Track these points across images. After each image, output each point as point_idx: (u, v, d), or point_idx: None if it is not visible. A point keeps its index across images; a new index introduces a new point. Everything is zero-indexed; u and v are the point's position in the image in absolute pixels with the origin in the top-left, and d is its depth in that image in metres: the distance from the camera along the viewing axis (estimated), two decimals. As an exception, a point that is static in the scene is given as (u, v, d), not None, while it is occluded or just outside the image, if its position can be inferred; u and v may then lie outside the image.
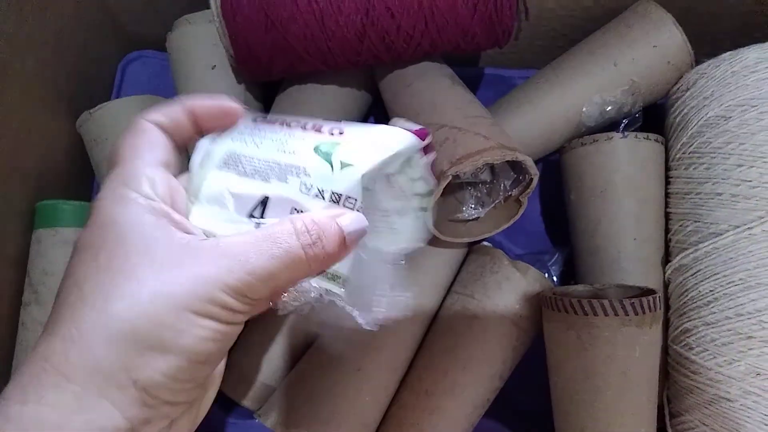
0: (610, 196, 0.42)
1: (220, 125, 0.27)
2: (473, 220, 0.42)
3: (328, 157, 0.24)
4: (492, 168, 0.42)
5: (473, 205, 0.42)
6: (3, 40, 0.38)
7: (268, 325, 0.43)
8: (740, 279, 0.35)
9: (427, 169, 0.28)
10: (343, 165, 0.24)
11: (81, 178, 0.49)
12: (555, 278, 0.48)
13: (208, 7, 0.40)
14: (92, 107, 0.45)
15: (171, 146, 0.25)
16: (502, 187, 0.41)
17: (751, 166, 0.36)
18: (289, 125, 0.27)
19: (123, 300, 0.20)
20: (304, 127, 0.26)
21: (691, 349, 0.37)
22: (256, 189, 0.24)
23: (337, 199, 0.24)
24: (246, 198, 0.24)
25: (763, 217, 0.35)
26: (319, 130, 0.26)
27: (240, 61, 0.41)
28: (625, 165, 0.42)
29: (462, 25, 0.39)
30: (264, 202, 0.24)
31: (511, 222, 0.41)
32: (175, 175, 0.26)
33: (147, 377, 0.20)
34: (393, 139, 0.26)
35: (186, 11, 0.47)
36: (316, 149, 0.25)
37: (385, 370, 0.41)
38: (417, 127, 0.27)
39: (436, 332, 0.43)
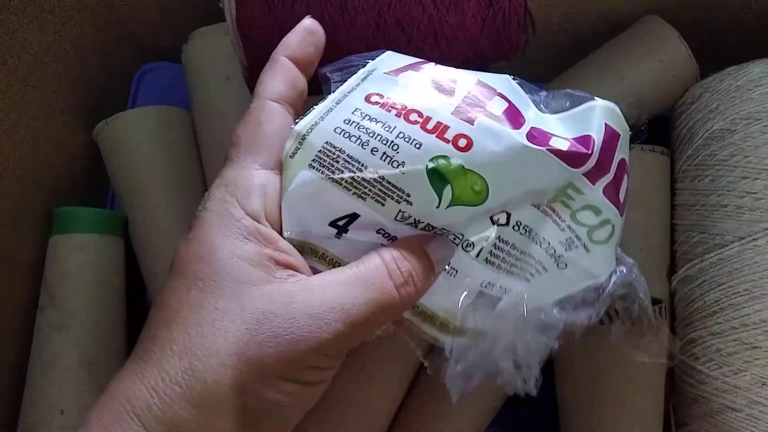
0: (616, 207, 0.43)
1: (316, 53, 0.24)
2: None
3: (439, 188, 0.20)
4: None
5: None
6: (24, 51, 0.40)
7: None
8: (745, 289, 0.35)
9: (598, 196, 0.23)
10: (454, 201, 0.21)
11: (97, 186, 0.50)
12: (562, 288, 0.48)
13: (222, 20, 0.41)
14: (108, 117, 0.46)
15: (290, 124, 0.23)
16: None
17: (756, 179, 0.36)
18: (407, 116, 0.21)
19: (208, 359, 0.19)
20: (424, 126, 0.21)
21: (697, 359, 0.37)
22: (348, 203, 0.21)
23: (430, 229, 0.21)
24: (335, 208, 0.21)
25: (767, 229, 0.35)
26: (442, 135, 0.21)
27: (254, 73, 0.42)
28: (630, 176, 0.43)
29: (471, 39, 0.40)
30: (352, 217, 0.21)
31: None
32: None
33: None
34: (531, 169, 0.21)
35: (200, 24, 0.48)
36: (430, 172, 0.20)
37: (394, 377, 0.41)
38: (568, 145, 0.21)
39: (443, 340, 0.43)
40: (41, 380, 0.39)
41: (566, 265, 0.24)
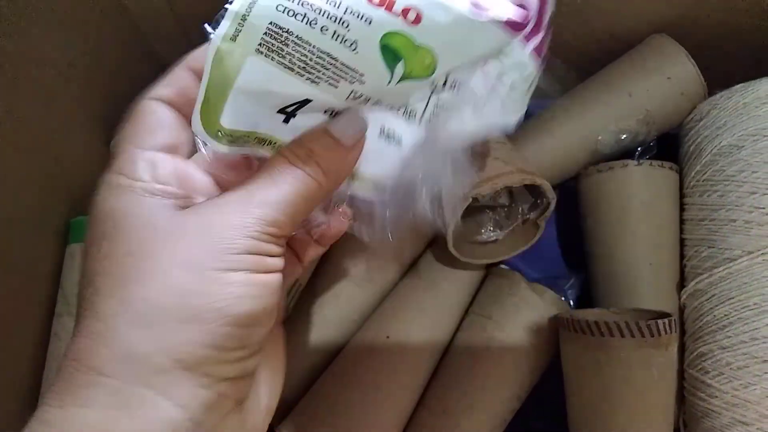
0: (625, 221, 0.43)
1: None
2: (492, 242, 0.43)
3: (392, 64, 0.20)
4: (510, 192, 0.43)
5: (492, 228, 0.43)
6: (49, 66, 0.41)
7: (288, 341, 0.44)
8: (755, 303, 0.36)
9: (528, 55, 0.24)
10: (405, 76, 0.21)
11: (114, 197, 0.51)
12: (571, 302, 0.48)
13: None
14: (126, 130, 0.47)
15: (180, 123, 0.22)
16: (520, 211, 0.42)
17: (764, 194, 0.37)
18: None
19: (140, 279, 0.18)
20: None
21: (707, 372, 0.37)
22: (300, 90, 0.21)
23: (376, 104, 0.22)
24: (286, 96, 0.21)
25: (776, 243, 0.36)
26: (390, 8, 0.20)
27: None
28: (640, 192, 0.43)
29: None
30: (303, 103, 0.21)
31: (529, 245, 0.42)
32: (189, 155, 0.23)
33: (188, 353, 0.18)
34: (477, 40, 0.21)
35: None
36: (384, 47, 0.20)
37: (404, 390, 0.41)
38: (513, 12, 0.22)
39: (454, 353, 0.44)
40: (57, 387, 0.39)
41: (482, 109, 0.25)
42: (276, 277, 0.20)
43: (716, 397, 0.36)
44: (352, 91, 0.21)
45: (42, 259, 0.43)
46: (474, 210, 0.44)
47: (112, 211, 0.20)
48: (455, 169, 0.26)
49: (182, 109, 0.22)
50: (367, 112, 0.22)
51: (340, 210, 0.26)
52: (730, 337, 0.36)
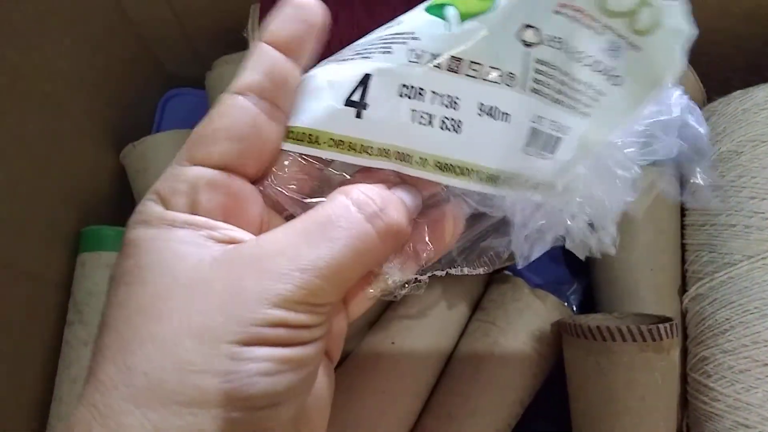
0: (627, 227, 0.44)
1: (306, 29, 0.19)
2: (494, 248, 0.44)
3: (441, 12, 0.19)
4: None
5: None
6: (60, 79, 0.42)
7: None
8: (755, 307, 0.36)
9: None
10: (465, 15, 0.18)
11: (123, 206, 0.52)
12: (574, 307, 0.49)
13: (245, 48, 0.43)
14: (135, 140, 0.48)
15: (260, 121, 0.18)
16: (522, 217, 0.42)
17: (764, 199, 0.37)
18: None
19: (145, 346, 0.16)
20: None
21: (710, 376, 0.38)
22: (354, 69, 0.19)
23: (456, 67, 0.19)
24: (343, 83, 0.19)
25: (776, 248, 0.36)
26: None
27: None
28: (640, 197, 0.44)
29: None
30: (365, 82, 0.19)
31: (531, 251, 0.42)
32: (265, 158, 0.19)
33: None
34: None
35: (222, 52, 0.50)
36: (429, 8, 0.19)
37: (408, 394, 0.42)
38: None
39: (458, 358, 0.44)
40: (69, 394, 0.40)
41: (620, 78, 0.21)
42: (309, 350, 0.17)
43: (719, 400, 0.37)
44: (408, 50, 0.19)
45: (53, 268, 0.43)
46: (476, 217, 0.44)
47: (137, 243, 0.17)
48: (608, 178, 0.21)
49: (269, 94, 0.19)
50: (454, 86, 0.19)
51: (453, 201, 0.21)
52: (731, 340, 0.37)
